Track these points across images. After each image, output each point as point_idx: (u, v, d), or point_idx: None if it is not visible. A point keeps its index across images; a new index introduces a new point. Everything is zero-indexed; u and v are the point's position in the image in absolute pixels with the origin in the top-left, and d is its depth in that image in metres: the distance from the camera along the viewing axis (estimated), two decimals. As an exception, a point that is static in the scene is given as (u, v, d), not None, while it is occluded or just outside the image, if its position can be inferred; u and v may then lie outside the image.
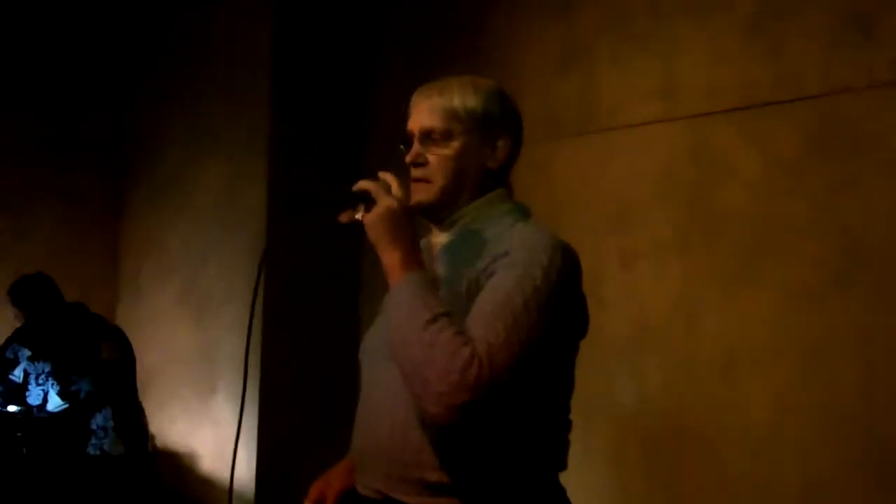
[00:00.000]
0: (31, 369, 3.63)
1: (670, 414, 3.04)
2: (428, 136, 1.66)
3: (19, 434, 3.59)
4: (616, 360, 3.16)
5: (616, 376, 3.17)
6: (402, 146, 1.71)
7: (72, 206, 4.89)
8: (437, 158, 1.66)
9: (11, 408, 3.64)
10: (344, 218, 1.61)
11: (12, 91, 4.74)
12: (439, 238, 1.72)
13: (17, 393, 3.61)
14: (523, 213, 1.72)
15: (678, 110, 3.08)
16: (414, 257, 1.54)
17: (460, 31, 3.88)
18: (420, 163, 1.67)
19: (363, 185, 1.59)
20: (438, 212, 1.69)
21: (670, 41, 3.13)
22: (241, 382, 4.00)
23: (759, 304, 2.84)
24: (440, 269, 1.66)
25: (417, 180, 1.68)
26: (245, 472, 4.10)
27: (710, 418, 2.94)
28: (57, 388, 3.58)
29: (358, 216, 1.59)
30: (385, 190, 1.57)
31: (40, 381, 3.60)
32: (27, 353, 3.63)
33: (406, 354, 1.46)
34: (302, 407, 4.07)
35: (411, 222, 1.57)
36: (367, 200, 1.57)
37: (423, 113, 1.67)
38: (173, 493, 4.41)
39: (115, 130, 5.03)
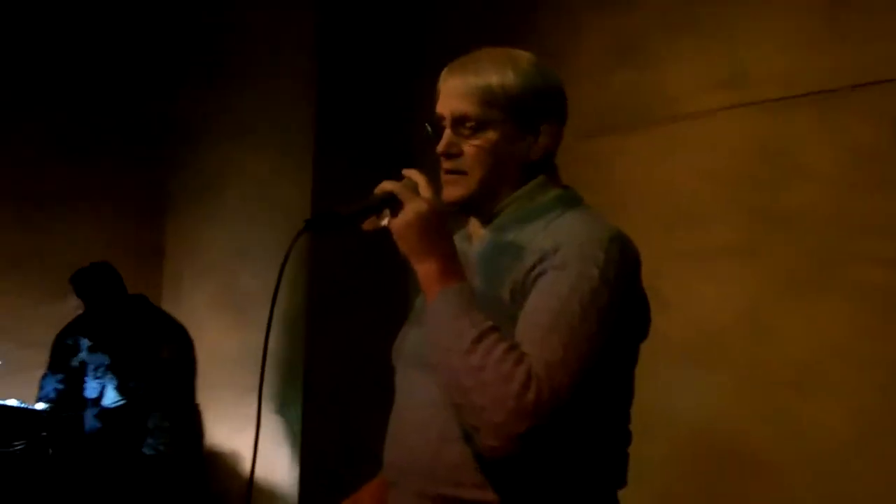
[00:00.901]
0: (89, 360, 3.52)
1: (734, 431, 2.83)
2: (461, 124, 1.49)
3: (44, 434, 3.51)
4: (674, 372, 2.94)
5: (674, 389, 2.95)
6: (428, 126, 1.54)
7: (113, 204, 4.81)
8: (473, 150, 1.48)
9: (39, 405, 3.56)
10: (368, 226, 1.45)
11: (52, 87, 4.68)
12: (478, 233, 1.56)
13: (76, 381, 3.50)
14: (572, 199, 1.54)
15: (747, 99, 2.86)
16: (452, 266, 1.38)
17: (511, 17, 3.70)
18: (453, 153, 1.50)
19: (386, 186, 1.42)
20: (477, 207, 1.53)
21: (738, 23, 2.91)
22: (288, 384, 3.90)
23: (837, 311, 2.62)
24: (480, 270, 1.49)
25: (450, 172, 1.51)
26: (288, 477, 4.00)
27: (780, 437, 2.72)
28: (115, 382, 3.47)
29: (384, 223, 1.42)
30: (412, 190, 1.40)
31: (98, 374, 3.50)
32: (87, 342, 3.53)
33: (453, 382, 1.31)
34: (348, 410, 3.93)
35: (445, 225, 1.40)
36: (394, 204, 1.40)
37: (456, 96, 1.50)
38: (216, 494, 4.33)
39: (156, 127, 4.95)
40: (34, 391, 3.95)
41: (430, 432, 1.41)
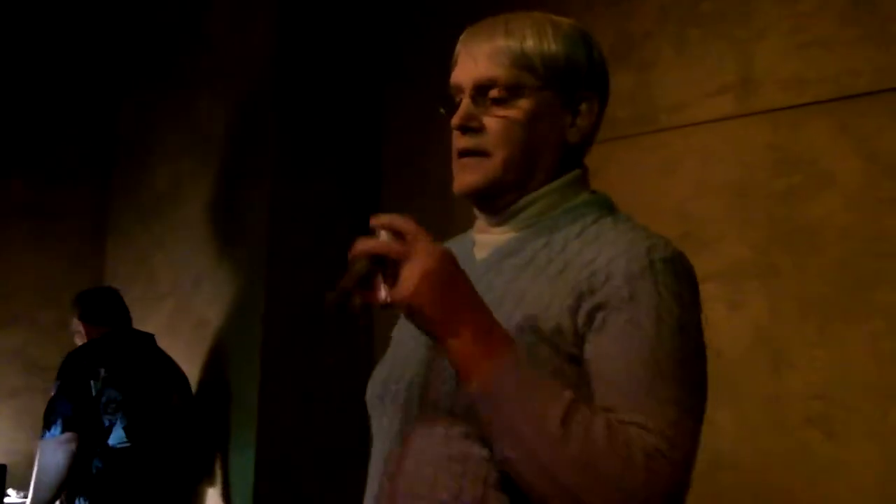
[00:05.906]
0: (103, 393, 3.22)
1: (749, 472, 2.55)
2: (485, 92, 1.21)
3: None
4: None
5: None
6: (442, 111, 1.26)
7: (51, 227, 4.47)
8: (500, 123, 1.20)
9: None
10: (374, 302, 1.08)
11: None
12: (486, 237, 1.26)
13: (91, 411, 3.17)
14: (606, 204, 1.28)
15: (757, 104, 2.63)
16: (488, 327, 1.07)
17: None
18: (473, 128, 1.21)
19: (366, 247, 1.06)
20: (496, 198, 1.24)
21: (748, 24, 2.68)
22: (240, 427, 3.56)
23: (863, 338, 2.38)
24: (491, 285, 1.19)
25: (467, 153, 1.21)
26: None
27: (801, 478, 2.45)
28: (124, 422, 3.21)
29: (382, 295, 1.07)
30: (399, 243, 1.06)
31: (109, 410, 3.21)
32: (102, 373, 3.22)
33: (546, 479, 1.03)
34: (306, 459, 3.57)
35: (460, 274, 1.08)
36: (379, 269, 1.07)
37: (481, 59, 1.22)
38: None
39: (100, 143, 4.63)
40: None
41: (440, 493, 1.10)
